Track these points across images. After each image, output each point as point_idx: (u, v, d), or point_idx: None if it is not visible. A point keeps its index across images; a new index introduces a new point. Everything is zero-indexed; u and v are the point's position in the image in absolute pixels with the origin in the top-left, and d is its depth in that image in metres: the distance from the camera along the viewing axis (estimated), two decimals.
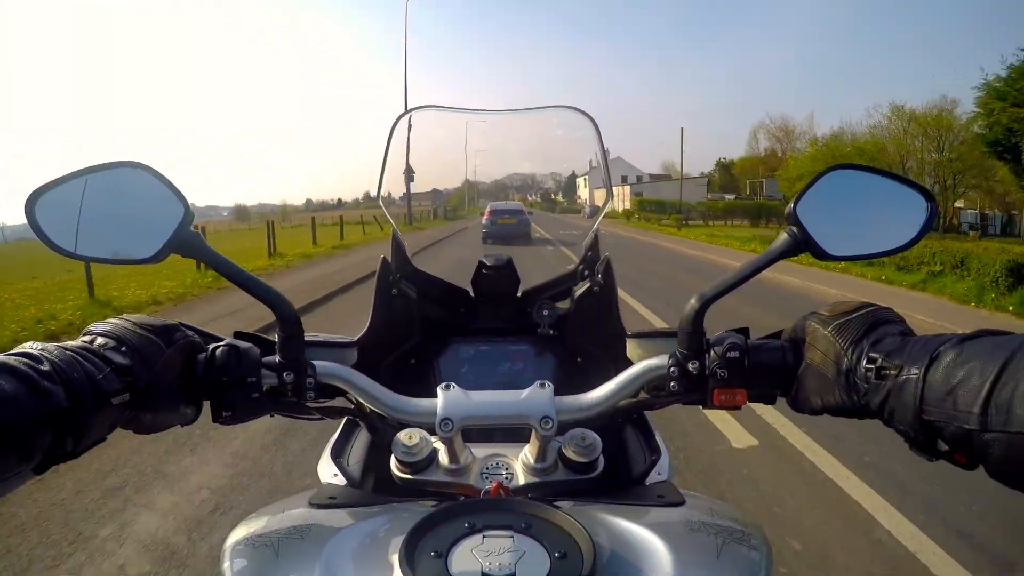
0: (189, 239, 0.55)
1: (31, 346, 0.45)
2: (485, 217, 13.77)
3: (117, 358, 0.49)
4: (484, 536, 0.45)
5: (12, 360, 0.42)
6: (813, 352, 0.53)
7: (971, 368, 0.39)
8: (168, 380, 0.53)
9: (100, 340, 0.51)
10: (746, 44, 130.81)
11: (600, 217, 0.95)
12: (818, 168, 2.11)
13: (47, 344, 0.46)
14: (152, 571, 1.94)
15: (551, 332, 0.90)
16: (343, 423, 0.84)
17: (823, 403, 0.52)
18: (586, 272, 0.90)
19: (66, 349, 0.47)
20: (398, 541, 0.44)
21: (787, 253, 0.56)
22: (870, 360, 0.47)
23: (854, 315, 0.52)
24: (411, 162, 0.91)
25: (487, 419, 0.58)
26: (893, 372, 0.45)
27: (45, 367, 0.43)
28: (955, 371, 0.40)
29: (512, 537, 0.45)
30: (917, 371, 0.43)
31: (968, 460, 0.41)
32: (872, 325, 0.50)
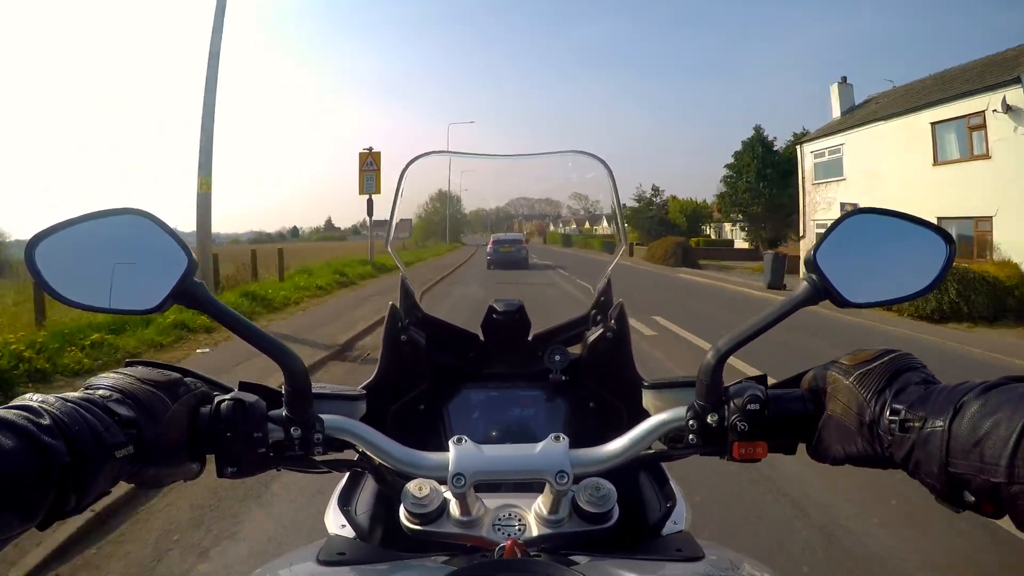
0: (192, 290, 0.54)
1: (31, 398, 0.44)
2: (489, 246, 14.93)
3: (121, 410, 0.47)
4: None
5: (11, 415, 0.40)
6: (835, 403, 0.53)
7: (997, 419, 0.39)
8: (174, 435, 0.52)
9: (103, 392, 0.49)
10: None
11: (615, 261, 0.94)
12: None
13: (48, 396, 0.45)
14: None
15: (563, 378, 0.88)
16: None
17: (845, 453, 0.52)
18: (599, 317, 0.89)
19: (67, 401, 0.45)
20: None
21: (807, 302, 0.55)
22: (893, 412, 0.47)
23: (875, 364, 0.52)
24: (407, 198, 0.91)
25: (500, 474, 0.56)
26: (917, 424, 0.45)
27: (46, 421, 0.41)
28: (981, 422, 0.40)
29: None
30: (942, 423, 0.43)
31: (995, 511, 0.41)
32: (894, 374, 0.50)
